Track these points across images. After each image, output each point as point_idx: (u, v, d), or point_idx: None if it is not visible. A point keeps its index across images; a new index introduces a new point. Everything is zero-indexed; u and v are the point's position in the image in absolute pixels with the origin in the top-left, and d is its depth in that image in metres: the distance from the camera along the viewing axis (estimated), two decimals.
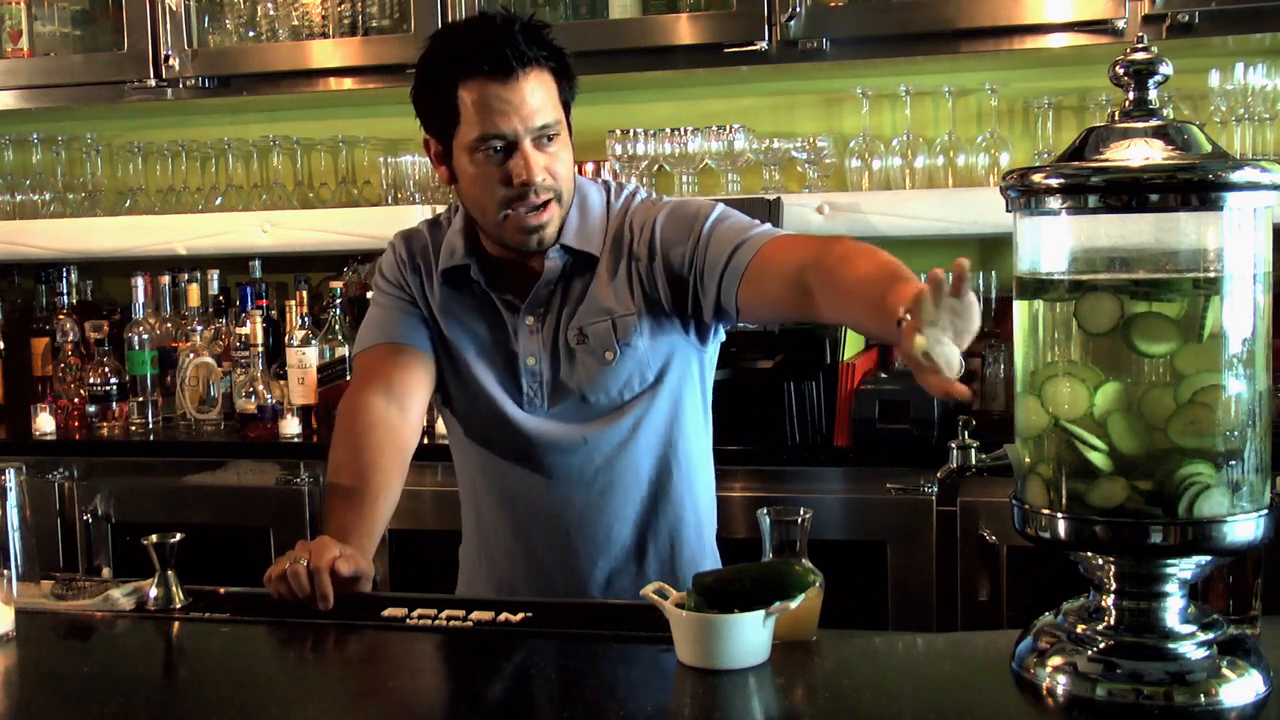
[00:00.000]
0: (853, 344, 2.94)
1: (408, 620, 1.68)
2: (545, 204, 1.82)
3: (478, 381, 1.94)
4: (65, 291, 3.71)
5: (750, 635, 1.45)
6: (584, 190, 1.92)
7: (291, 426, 3.14)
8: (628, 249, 1.90)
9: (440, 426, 3.03)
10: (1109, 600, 1.40)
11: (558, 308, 1.91)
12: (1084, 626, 1.40)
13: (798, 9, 2.96)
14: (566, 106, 1.84)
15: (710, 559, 2.03)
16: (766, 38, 2.99)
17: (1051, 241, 1.41)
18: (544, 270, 1.89)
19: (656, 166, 3.31)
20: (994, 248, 3.25)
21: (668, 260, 1.88)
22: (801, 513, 1.59)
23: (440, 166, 1.87)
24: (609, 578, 1.97)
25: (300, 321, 3.22)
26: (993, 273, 3.22)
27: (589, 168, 3.35)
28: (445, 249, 1.94)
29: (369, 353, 1.98)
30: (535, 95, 1.77)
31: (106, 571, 1.89)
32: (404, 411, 1.92)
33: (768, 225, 1.87)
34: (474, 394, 1.96)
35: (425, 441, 2.70)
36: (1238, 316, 1.34)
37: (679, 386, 1.96)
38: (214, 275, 3.57)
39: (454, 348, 1.96)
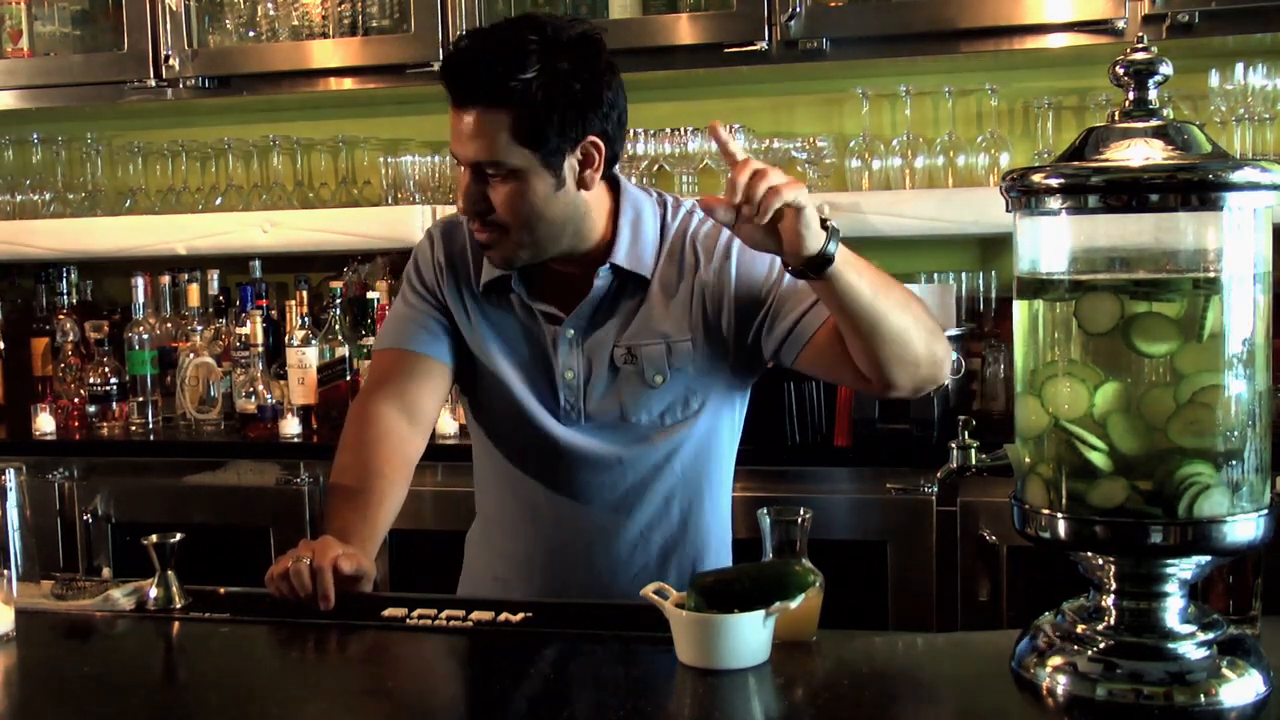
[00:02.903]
0: None
1: (408, 620, 1.68)
2: (486, 230, 1.79)
3: (511, 390, 1.91)
4: (65, 291, 3.71)
5: (750, 635, 1.45)
6: (638, 208, 1.88)
7: (291, 426, 3.14)
8: (693, 272, 1.86)
9: (441, 426, 3.03)
10: (1109, 600, 1.40)
11: (604, 324, 1.88)
12: (1084, 626, 1.40)
13: (798, 9, 2.96)
14: (539, 143, 1.74)
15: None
16: (766, 38, 2.99)
17: (1051, 241, 1.41)
18: (591, 289, 1.86)
19: (656, 166, 3.31)
20: (994, 248, 3.25)
21: (740, 292, 1.84)
22: (801, 513, 1.59)
23: None
24: (625, 596, 1.94)
25: (300, 321, 3.22)
26: (993, 273, 3.22)
27: None
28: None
29: (387, 354, 1.97)
30: (478, 131, 1.73)
31: (106, 571, 1.89)
32: (414, 424, 1.92)
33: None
34: (507, 402, 1.92)
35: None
36: (1238, 316, 1.34)
37: (717, 416, 1.94)
38: (214, 275, 3.57)
39: (489, 353, 1.92)
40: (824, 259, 1.56)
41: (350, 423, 1.95)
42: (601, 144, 1.78)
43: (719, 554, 2.01)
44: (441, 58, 1.78)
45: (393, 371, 1.94)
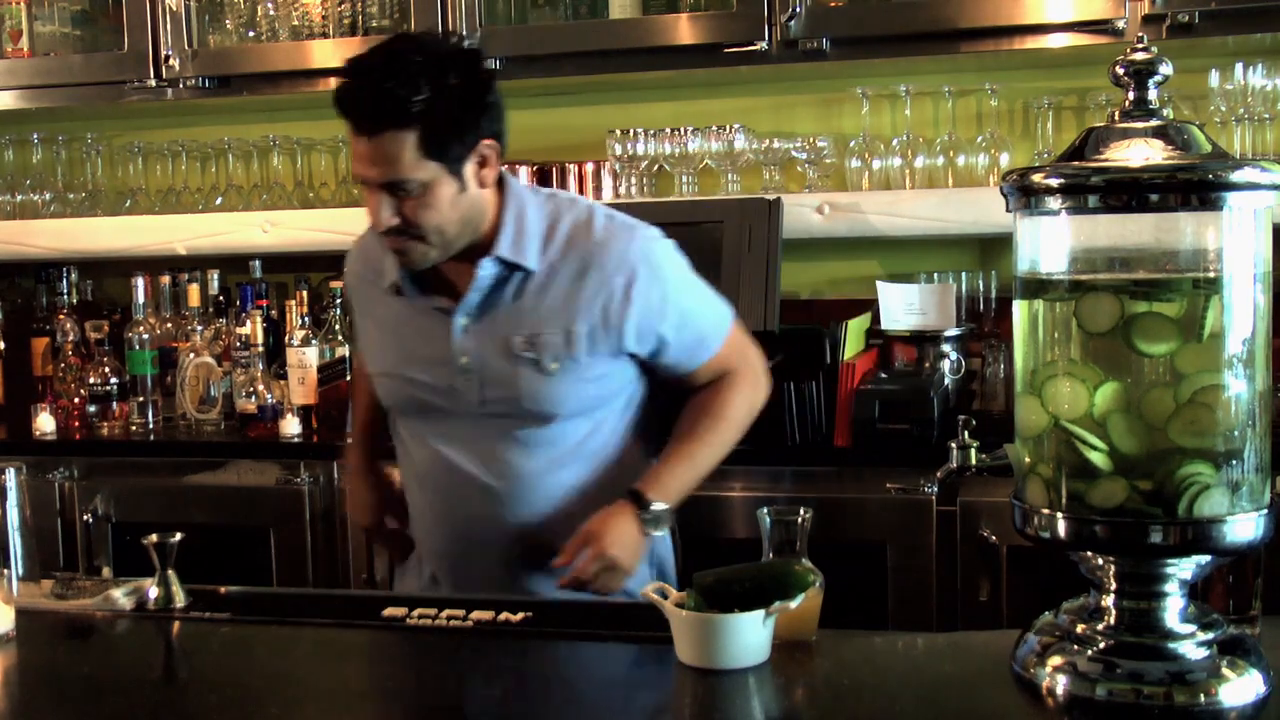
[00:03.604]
0: (853, 344, 2.94)
1: (408, 620, 1.68)
2: (406, 242, 1.91)
3: (412, 382, 2.02)
4: (65, 291, 3.70)
5: (750, 635, 1.45)
6: (522, 204, 1.98)
7: (292, 426, 3.14)
8: (594, 266, 1.96)
9: None
10: (1109, 600, 1.40)
11: (495, 313, 1.97)
12: (1084, 626, 1.40)
13: (798, 9, 2.96)
14: (448, 158, 1.86)
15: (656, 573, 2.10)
16: (766, 38, 2.99)
17: (1051, 241, 1.41)
18: (475, 280, 1.95)
19: (656, 166, 3.31)
20: (994, 248, 3.25)
21: (640, 308, 1.96)
22: (801, 513, 1.59)
23: None
24: (521, 574, 2.02)
25: (300, 321, 3.22)
26: (993, 273, 3.22)
27: (589, 168, 3.36)
28: (388, 264, 2.02)
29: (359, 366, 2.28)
30: (389, 152, 1.84)
31: (106, 571, 1.89)
32: None
33: (714, 331, 2.06)
34: (407, 395, 2.04)
35: None
36: (1238, 316, 1.34)
37: (613, 407, 2.03)
38: (214, 275, 3.56)
39: (394, 351, 2.05)
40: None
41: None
42: (495, 144, 1.92)
43: None
44: (339, 91, 1.90)
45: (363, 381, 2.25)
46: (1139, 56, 1.40)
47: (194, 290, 3.46)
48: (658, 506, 1.95)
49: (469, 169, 1.90)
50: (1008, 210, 1.44)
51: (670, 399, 2.10)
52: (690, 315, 2.02)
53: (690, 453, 2.02)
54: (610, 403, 2.03)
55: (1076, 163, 1.37)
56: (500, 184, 1.98)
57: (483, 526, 2.01)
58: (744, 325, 2.14)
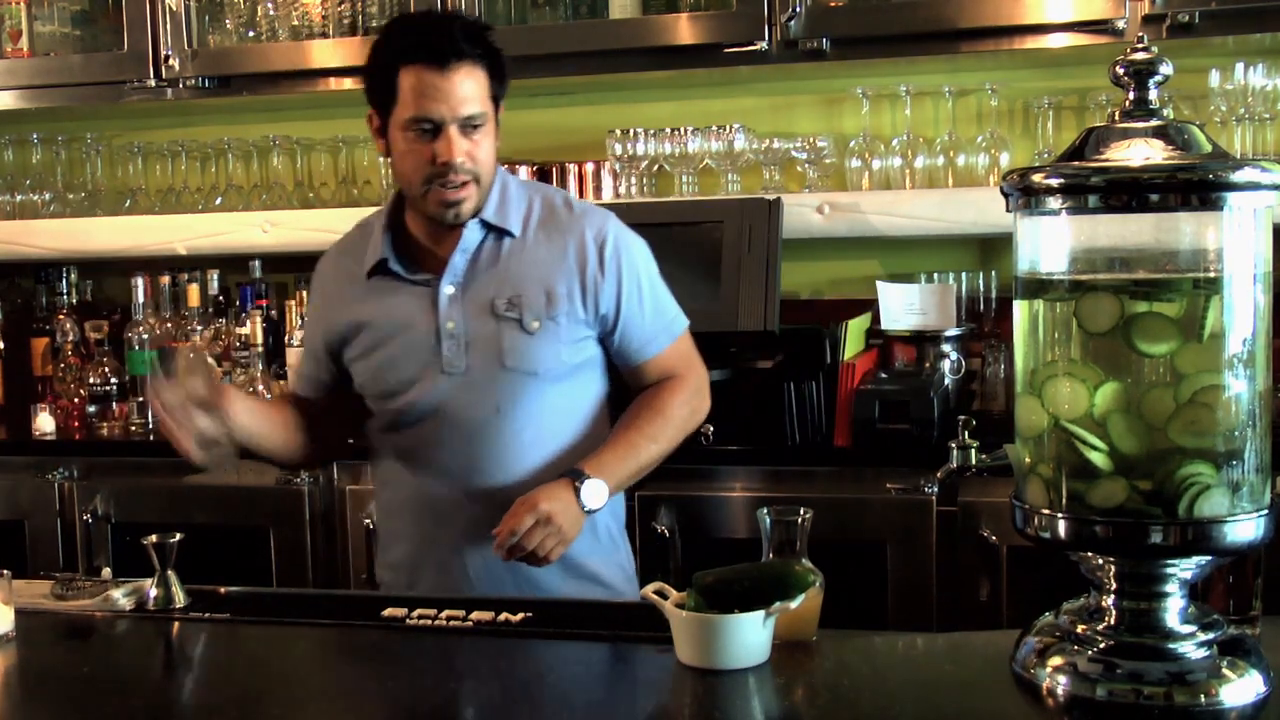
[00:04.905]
0: (853, 344, 2.94)
1: (408, 620, 1.68)
2: (464, 184, 1.99)
3: (396, 355, 2.07)
4: (65, 291, 3.70)
5: (750, 635, 1.45)
6: (505, 177, 2.11)
7: None
8: (579, 238, 2.07)
9: None
10: (1109, 600, 1.40)
11: (479, 277, 2.05)
12: (1084, 626, 1.40)
13: (798, 9, 2.96)
14: (497, 101, 2.02)
15: (609, 547, 2.14)
16: (766, 38, 2.99)
17: (1051, 241, 1.41)
18: (461, 240, 2.04)
19: (656, 166, 3.31)
20: (994, 248, 3.25)
21: (613, 276, 2.07)
22: (801, 513, 1.59)
23: (379, 139, 2.06)
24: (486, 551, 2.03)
25: (300, 321, 3.22)
26: (993, 273, 3.22)
27: (589, 168, 3.35)
28: (370, 249, 2.11)
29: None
30: (465, 86, 1.95)
31: (106, 571, 1.88)
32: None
33: (669, 325, 2.15)
34: (392, 365, 2.07)
35: None
36: (1238, 316, 1.34)
37: (587, 374, 2.11)
38: (214, 275, 3.56)
39: (376, 328, 2.08)
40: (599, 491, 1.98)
41: None
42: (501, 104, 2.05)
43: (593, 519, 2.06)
44: (407, 32, 2.01)
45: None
46: (1139, 56, 1.40)
47: (194, 290, 3.46)
48: (594, 482, 1.98)
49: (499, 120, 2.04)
50: (1008, 210, 1.44)
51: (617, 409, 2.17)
52: (654, 299, 2.13)
53: (632, 441, 2.06)
54: (582, 374, 2.10)
55: (1077, 163, 1.37)
56: None
57: (459, 504, 2.04)
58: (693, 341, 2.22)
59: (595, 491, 1.98)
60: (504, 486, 2.02)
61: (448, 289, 2.05)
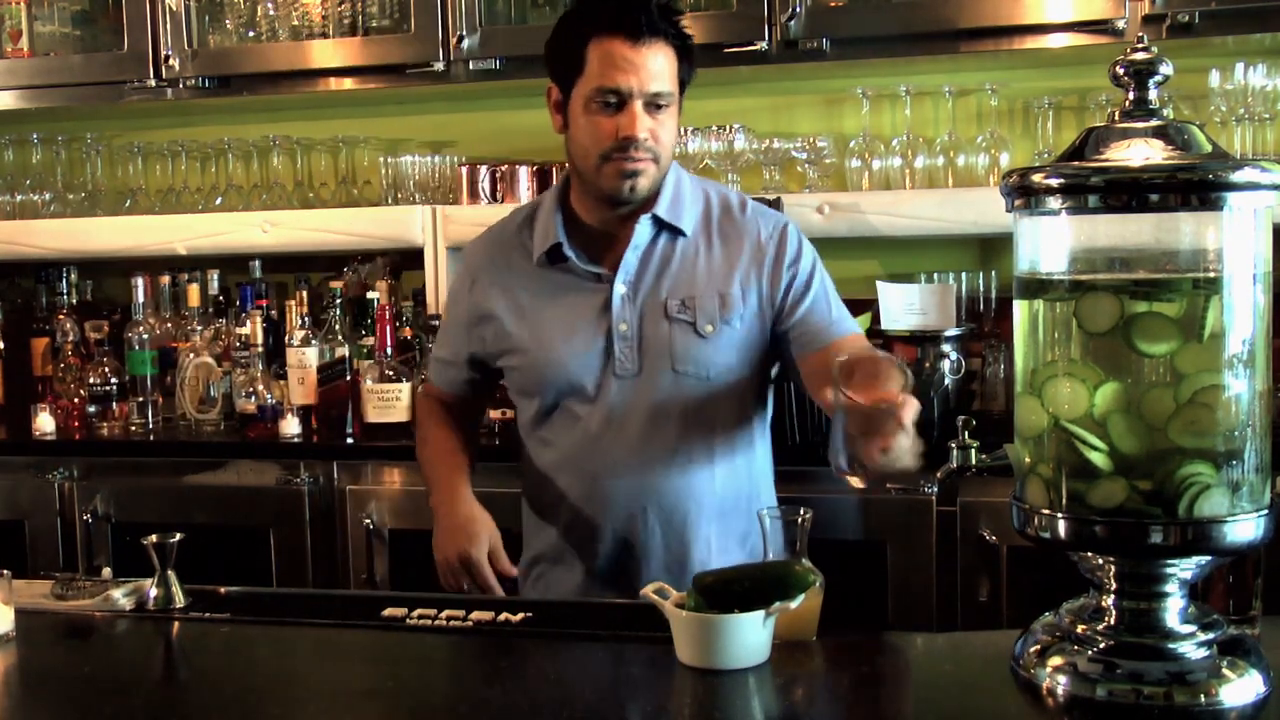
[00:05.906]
0: None
1: (408, 620, 1.68)
2: (644, 159, 1.95)
3: (567, 352, 2.02)
4: (65, 291, 3.70)
5: (750, 635, 1.45)
6: (680, 173, 2.07)
7: (291, 426, 3.14)
8: (749, 235, 2.05)
9: None
10: (1109, 600, 1.40)
11: (652, 277, 2.01)
12: (1084, 626, 1.40)
13: (798, 9, 2.96)
14: (683, 86, 1.99)
15: (739, 547, 2.08)
16: (766, 38, 2.99)
17: (1051, 241, 1.41)
18: (633, 238, 2.00)
19: None
20: (994, 248, 3.25)
21: (789, 276, 2.04)
22: (801, 513, 1.59)
23: (556, 115, 2.03)
24: (681, 552, 2.02)
25: (300, 321, 3.22)
26: (993, 273, 3.22)
27: None
28: (539, 233, 2.06)
29: (431, 388, 2.28)
30: (656, 63, 1.92)
31: (106, 571, 1.89)
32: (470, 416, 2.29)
33: (850, 320, 2.11)
34: (560, 364, 2.03)
35: None
36: (1238, 316, 1.34)
37: (755, 379, 2.07)
38: (214, 275, 3.56)
39: (541, 324, 2.04)
40: None
41: (421, 414, 2.30)
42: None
43: (749, 515, 2.03)
44: (603, 2, 1.98)
45: (438, 404, 2.26)
46: (1139, 56, 1.40)
47: (194, 290, 3.46)
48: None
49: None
50: (1008, 210, 1.44)
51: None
52: (835, 294, 2.10)
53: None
54: (753, 383, 2.06)
55: (1076, 163, 1.37)
56: None
57: (624, 510, 2.02)
58: None
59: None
60: (669, 493, 2.00)
61: (620, 288, 2.01)
